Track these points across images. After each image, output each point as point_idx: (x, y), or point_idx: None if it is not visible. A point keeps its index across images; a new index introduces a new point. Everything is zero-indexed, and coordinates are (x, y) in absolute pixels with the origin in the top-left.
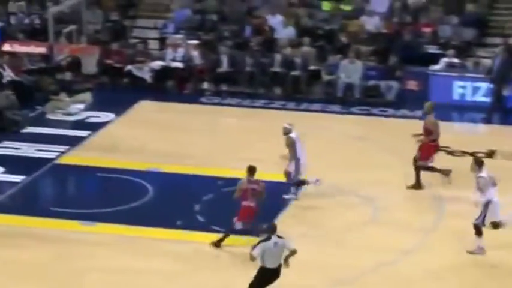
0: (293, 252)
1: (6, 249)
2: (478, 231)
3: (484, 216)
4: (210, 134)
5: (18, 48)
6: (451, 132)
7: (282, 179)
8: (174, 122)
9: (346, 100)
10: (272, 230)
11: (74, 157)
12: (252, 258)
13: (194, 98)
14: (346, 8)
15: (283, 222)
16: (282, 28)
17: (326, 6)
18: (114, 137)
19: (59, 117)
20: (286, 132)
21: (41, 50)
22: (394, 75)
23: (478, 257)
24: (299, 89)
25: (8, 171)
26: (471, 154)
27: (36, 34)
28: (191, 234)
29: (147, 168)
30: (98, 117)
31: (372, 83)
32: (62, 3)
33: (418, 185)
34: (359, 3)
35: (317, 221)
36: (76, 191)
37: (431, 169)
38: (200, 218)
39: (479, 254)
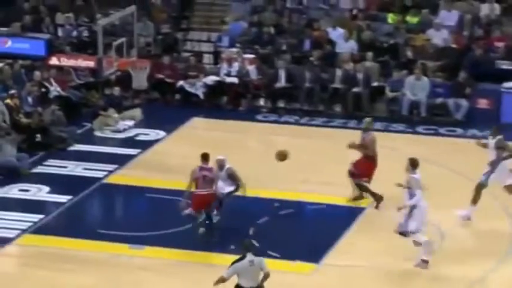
0: (266, 276)
1: (52, 272)
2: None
3: (407, 221)
4: (265, 153)
5: (65, 61)
6: None
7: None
8: (228, 141)
9: (412, 119)
10: (247, 248)
11: (123, 176)
12: (221, 281)
13: (249, 115)
14: (413, 20)
15: (341, 248)
16: (343, 42)
17: (392, 19)
18: (165, 156)
19: (107, 134)
20: (223, 164)
21: (89, 63)
22: (464, 93)
23: None
24: (361, 107)
25: (54, 191)
26: None
27: (84, 47)
28: None
29: None
30: (148, 134)
31: (439, 100)
32: (112, 15)
33: (359, 196)
34: (426, 16)
35: (379, 248)
36: (124, 212)
37: (366, 189)
38: (255, 243)
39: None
